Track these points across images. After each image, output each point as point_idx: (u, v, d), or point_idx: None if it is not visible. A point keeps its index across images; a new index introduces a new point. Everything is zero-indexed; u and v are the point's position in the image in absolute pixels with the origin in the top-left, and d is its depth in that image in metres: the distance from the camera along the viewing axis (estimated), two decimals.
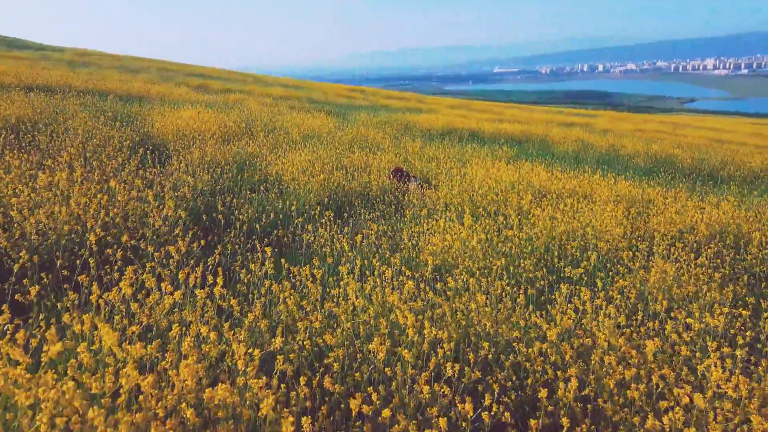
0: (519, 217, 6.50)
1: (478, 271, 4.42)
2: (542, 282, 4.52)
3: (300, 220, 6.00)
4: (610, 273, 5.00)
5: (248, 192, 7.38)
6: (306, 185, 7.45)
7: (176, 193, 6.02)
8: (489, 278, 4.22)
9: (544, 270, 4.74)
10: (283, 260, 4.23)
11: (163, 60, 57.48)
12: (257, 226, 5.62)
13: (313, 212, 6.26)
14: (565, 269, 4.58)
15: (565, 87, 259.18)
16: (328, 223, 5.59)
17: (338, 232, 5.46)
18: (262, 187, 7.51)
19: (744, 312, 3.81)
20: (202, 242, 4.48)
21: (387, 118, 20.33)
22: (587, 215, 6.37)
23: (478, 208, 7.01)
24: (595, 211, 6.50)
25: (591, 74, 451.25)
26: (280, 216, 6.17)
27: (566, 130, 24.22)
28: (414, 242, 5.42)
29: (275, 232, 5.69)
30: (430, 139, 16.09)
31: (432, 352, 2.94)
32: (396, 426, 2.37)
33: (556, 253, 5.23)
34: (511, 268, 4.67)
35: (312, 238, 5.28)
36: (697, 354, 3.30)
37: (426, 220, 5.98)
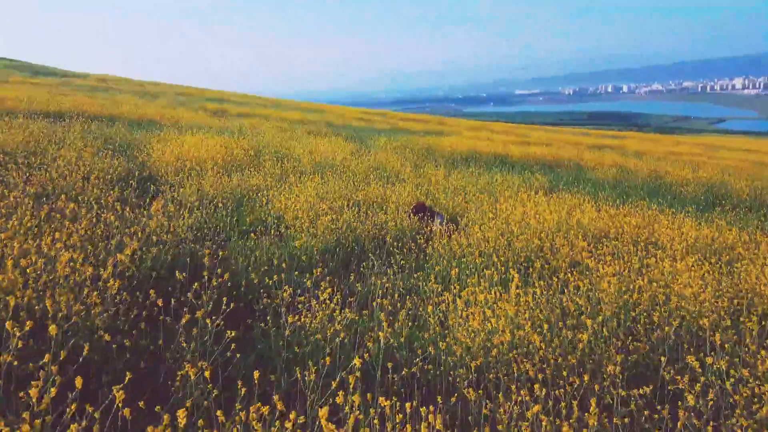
0: (573, 270, 5.19)
1: (540, 379, 3.09)
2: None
3: (287, 290, 4.58)
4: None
5: (240, 236, 6.21)
6: (310, 228, 6.25)
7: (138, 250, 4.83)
8: (558, 391, 2.90)
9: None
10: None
11: (181, 85, 57.75)
12: (235, 293, 4.40)
13: (311, 273, 4.91)
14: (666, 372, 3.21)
15: (588, 108, 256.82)
16: (327, 299, 4.12)
17: (340, 303, 4.16)
18: (257, 229, 6.31)
19: None
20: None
21: (407, 142, 19.18)
22: (660, 270, 5.03)
23: (519, 257, 5.72)
24: (667, 266, 5.15)
25: (615, 95, 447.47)
26: (272, 275, 4.87)
27: (599, 153, 22.76)
28: (441, 317, 4.15)
29: (260, 300, 4.43)
30: (453, 164, 14.85)
31: None
32: None
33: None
34: (588, 364, 3.34)
35: (305, 321, 3.91)
36: None
37: (456, 284, 4.66)
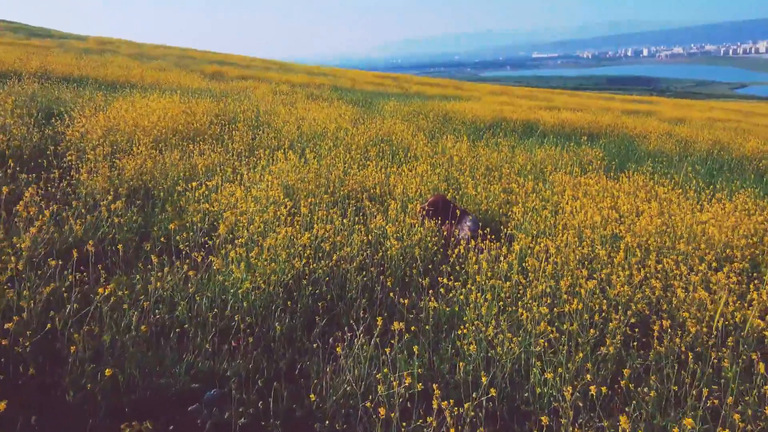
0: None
1: None
2: None
3: None
4: None
5: (140, 259, 3.73)
6: (251, 252, 3.70)
7: None
8: None
9: None
10: None
11: (186, 48, 54.60)
12: None
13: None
14: None
15: (608, 72, 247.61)
16: None
17: None
18: (160, 258, 3.76)
19: None
20: None
21: (420, 107, 16.43)
22: None
23: (627, 317, 3.18)
24: None
25: (635, 59, 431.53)
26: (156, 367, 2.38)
27: (639, 119, 19.81)
28: None
29: None
30: (476, 133, 12.15)
31: None
32: None
33: None
34: None
35: None
36: None
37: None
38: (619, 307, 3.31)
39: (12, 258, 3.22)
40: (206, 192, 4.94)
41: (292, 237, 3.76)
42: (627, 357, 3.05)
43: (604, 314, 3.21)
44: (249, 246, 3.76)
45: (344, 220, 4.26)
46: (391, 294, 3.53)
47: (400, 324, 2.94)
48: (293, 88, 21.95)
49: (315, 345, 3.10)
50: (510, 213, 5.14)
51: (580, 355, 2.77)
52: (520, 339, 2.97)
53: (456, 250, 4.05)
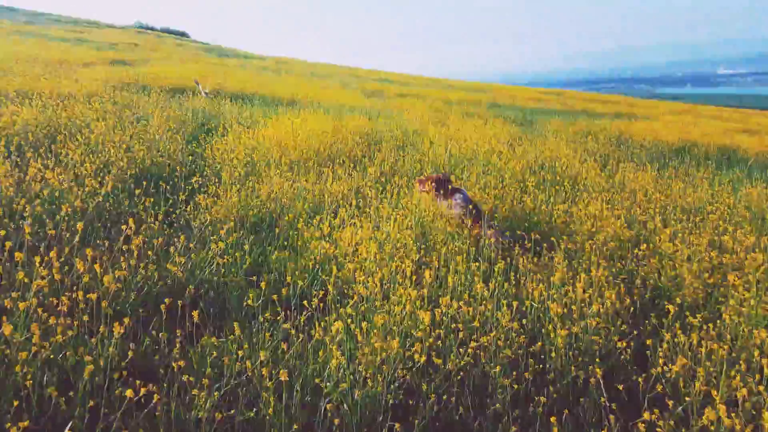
0: None
1: None
2: None
3: None
4: None
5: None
6: (368, 331, 2.77)
7: None
8: None
9: None
10: None
11: (354, 67, 57.24)
12: None
13: None
14: None
15: None
16: None
17: None
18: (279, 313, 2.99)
19: None
20: None
21: (588, 126, 14.62)
22: None
23: None
24: None
25: None
26: None
27: None
28: None
29: None
30: (659, 160, 10.19)
31: None
32: None
33: None
34: None
35: None
36: None
37: None
38: None
39: (92, 299, 2.69)
40: (328, 228, 4.20)
41: (412, 313, 2.78)
42: None
43: None
44: (357, 314, 2.88)
45: (489, 285, 3.18)
46: (553, 418, 2.33)
47: None
48: (448, 106, 21.26)
49: None
50: (724, 287, 3.62)
51: None
52: None
53: None
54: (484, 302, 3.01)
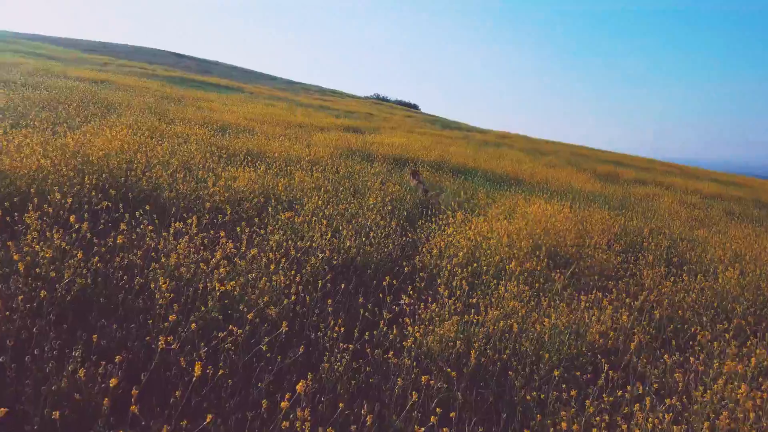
0: None
1: None
2: None
3: None
4: None
5: None
6: None
7: None
8: None
9: None
10: None
11: (576, 145, 54.15)
12: None
13: None
14: None
15: None
16: None
17: None
18: None
19: None
20: None
21: None
22: None
23: None
24: None
25: None
26: None
27: None
28: None
29: None
30: None
31: None
32: None
33: None
34: None
35: None
36: None
37: None
38: None
39: None
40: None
41: None
42: None
43: None
44: None
45: None
46: None
47: None
48: (705, 201, 17.65)
49: None
50: None
51: None
52: None
53: None
54: None
